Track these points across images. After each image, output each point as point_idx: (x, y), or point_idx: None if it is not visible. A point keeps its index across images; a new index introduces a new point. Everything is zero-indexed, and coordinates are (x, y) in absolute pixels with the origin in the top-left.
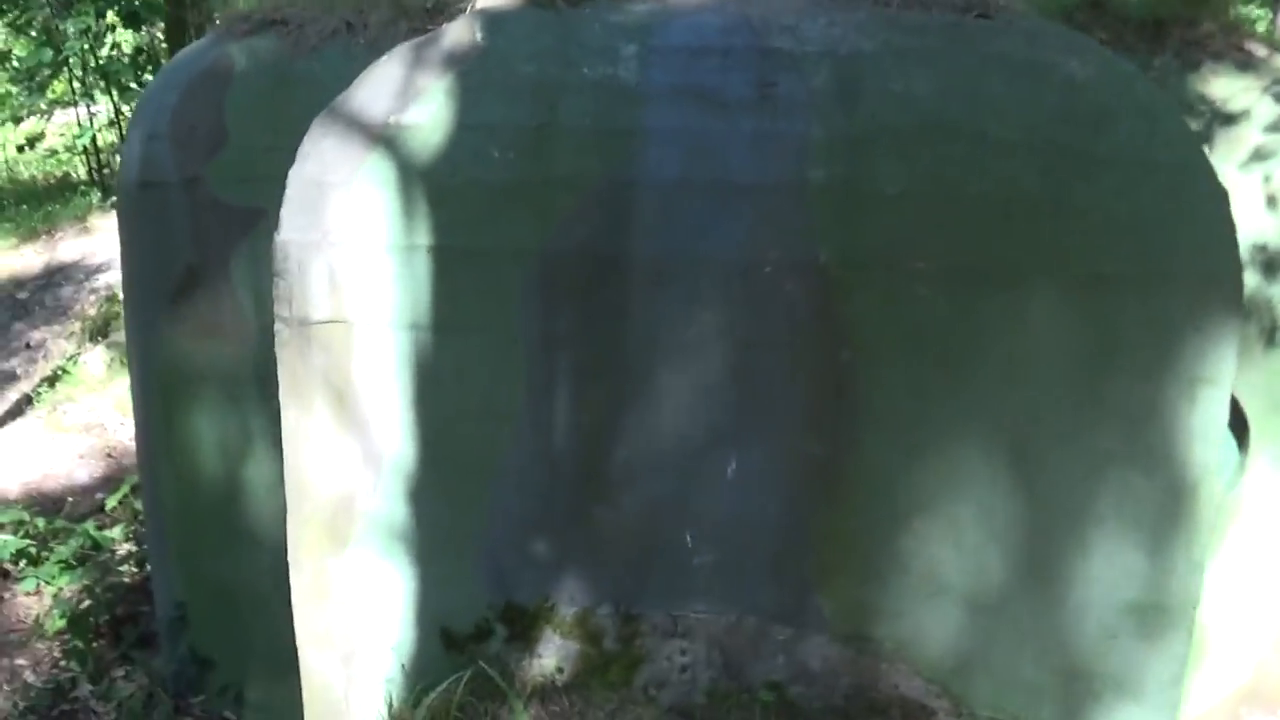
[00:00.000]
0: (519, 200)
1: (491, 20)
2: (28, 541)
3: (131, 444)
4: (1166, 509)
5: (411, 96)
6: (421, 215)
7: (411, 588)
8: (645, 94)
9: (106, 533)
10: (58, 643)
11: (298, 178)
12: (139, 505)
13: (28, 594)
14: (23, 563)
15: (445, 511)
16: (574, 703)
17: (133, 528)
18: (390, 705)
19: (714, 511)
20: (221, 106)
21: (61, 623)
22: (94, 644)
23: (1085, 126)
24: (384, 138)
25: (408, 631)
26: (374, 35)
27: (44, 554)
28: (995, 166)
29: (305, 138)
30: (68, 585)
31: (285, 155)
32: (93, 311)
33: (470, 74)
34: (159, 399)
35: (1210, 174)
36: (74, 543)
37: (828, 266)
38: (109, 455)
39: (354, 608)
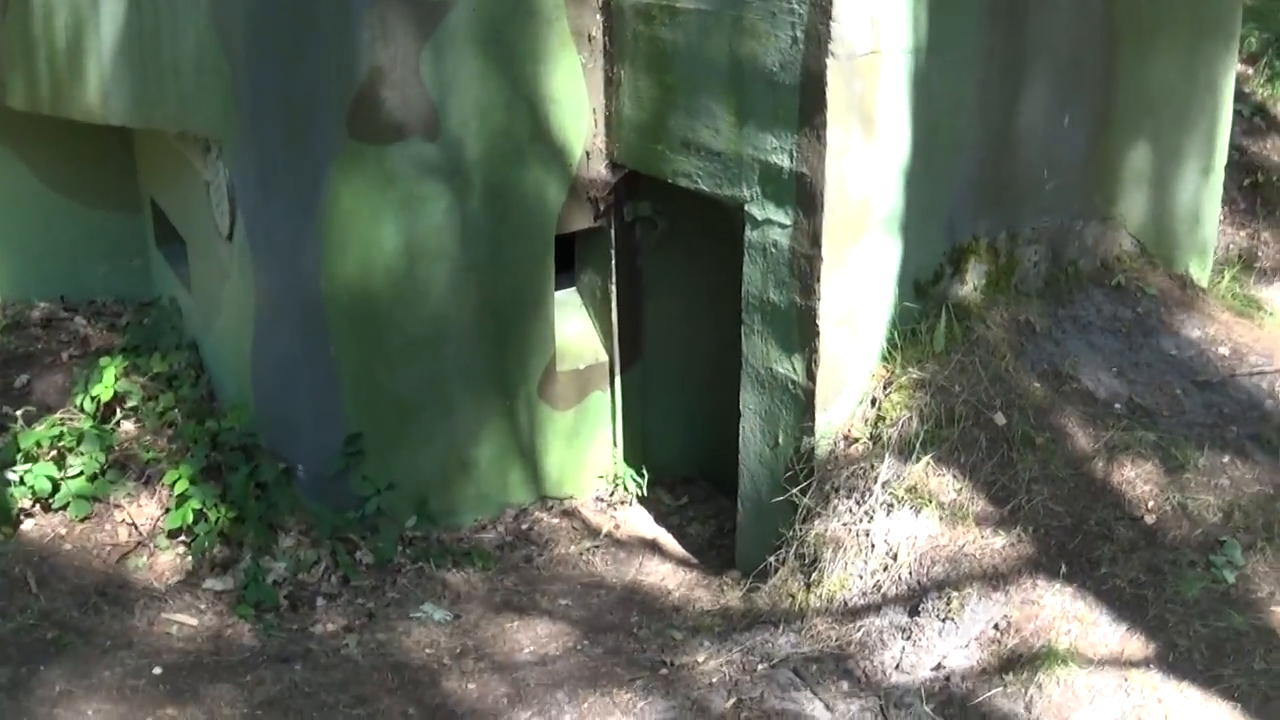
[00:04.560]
0: None
1: None
2: (49, 468)
3: None
4: None
5: None
6: None
7: (899, 256)
8: None
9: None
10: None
11: None
12: (127, 384)
13: (84, 519)
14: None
15: (928, 189)
16: (990, 305)
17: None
18: (886, 354)
19: (1057, 151)
20: None
21: (222, 512)
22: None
23: None
24: None
25: (895, 292)
26: None
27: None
28: None
29: None
30: (181, 478)
31: None
32: None
33: None
34: (335, 213)
35: None
36: (93, 447)
37: None
38: None
39: (863, 284)
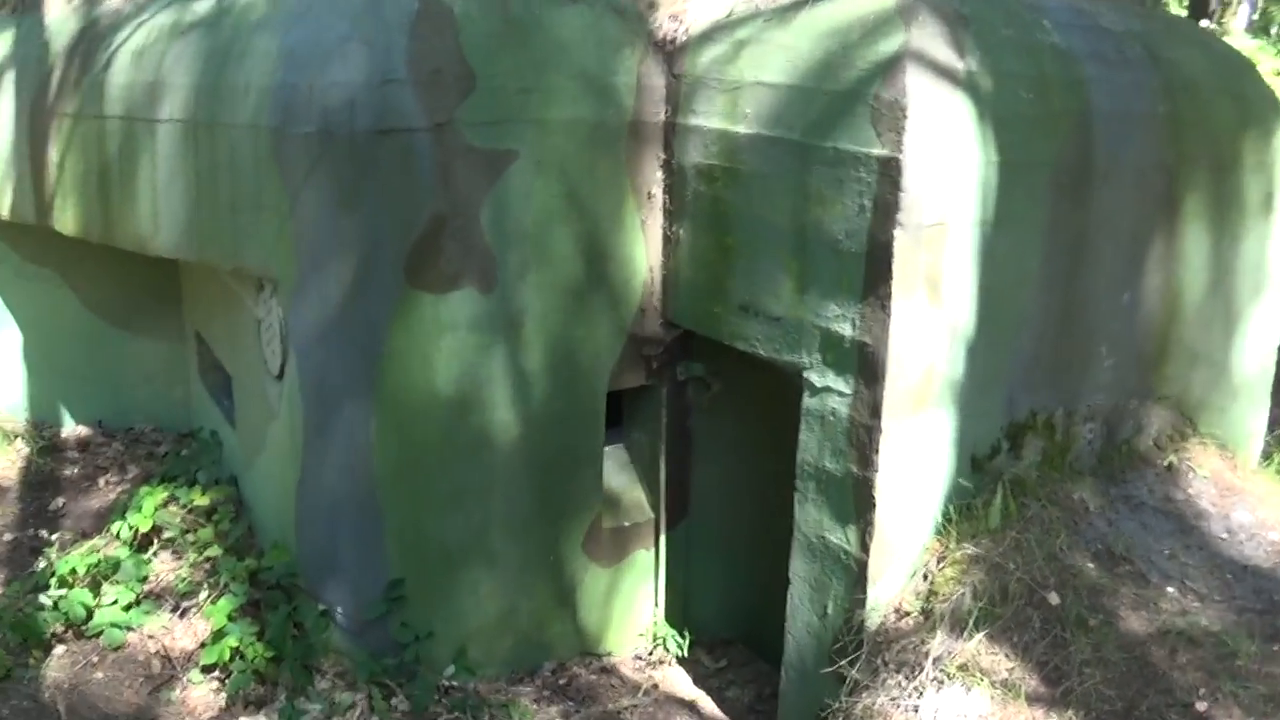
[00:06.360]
0: (1041, 127)
1: None
2: (83, 594)
3: None
4: None
5: (961, 50)
6: (990, 139)
7: (957, 430)
8: (1079, 55)
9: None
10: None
11: (916, 113)
12: (166, 515)
13: (118, 649)
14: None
15: (989, 363)
16: (1045, 482)
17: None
18: (941, 528)
19: (1116, 328)
20: (459, 50)
21: (260, 650)
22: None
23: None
24: (961, 82)
25: (952, 466)
26: None
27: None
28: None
29: (905, 79)
30: (220, 613)
31: (539, 97)
32: None
33: (983, 35)
34: (389, 359)
35: None
36: (129, 576)
37: (1170, 164)
38: None
39: (921, 457)
